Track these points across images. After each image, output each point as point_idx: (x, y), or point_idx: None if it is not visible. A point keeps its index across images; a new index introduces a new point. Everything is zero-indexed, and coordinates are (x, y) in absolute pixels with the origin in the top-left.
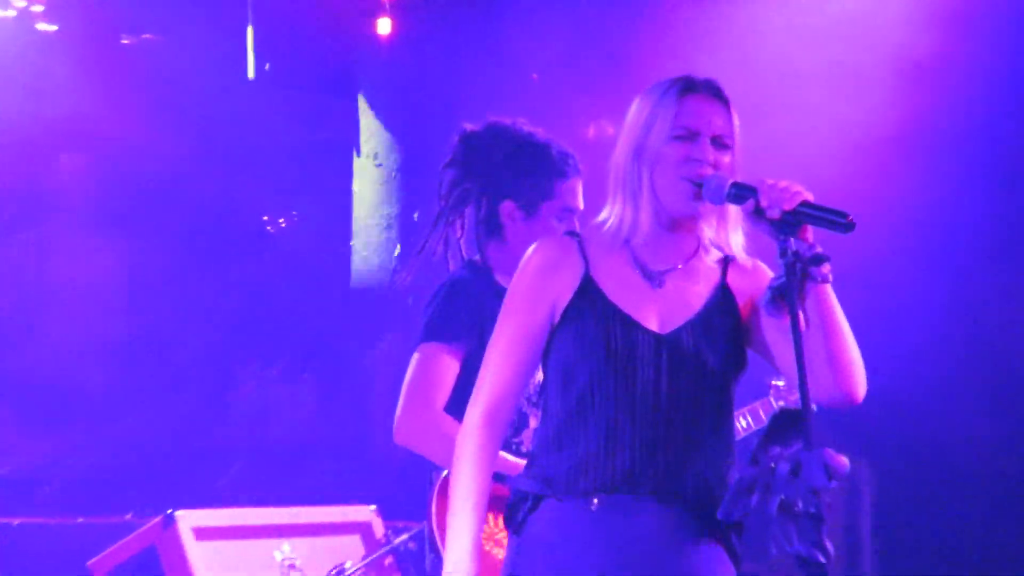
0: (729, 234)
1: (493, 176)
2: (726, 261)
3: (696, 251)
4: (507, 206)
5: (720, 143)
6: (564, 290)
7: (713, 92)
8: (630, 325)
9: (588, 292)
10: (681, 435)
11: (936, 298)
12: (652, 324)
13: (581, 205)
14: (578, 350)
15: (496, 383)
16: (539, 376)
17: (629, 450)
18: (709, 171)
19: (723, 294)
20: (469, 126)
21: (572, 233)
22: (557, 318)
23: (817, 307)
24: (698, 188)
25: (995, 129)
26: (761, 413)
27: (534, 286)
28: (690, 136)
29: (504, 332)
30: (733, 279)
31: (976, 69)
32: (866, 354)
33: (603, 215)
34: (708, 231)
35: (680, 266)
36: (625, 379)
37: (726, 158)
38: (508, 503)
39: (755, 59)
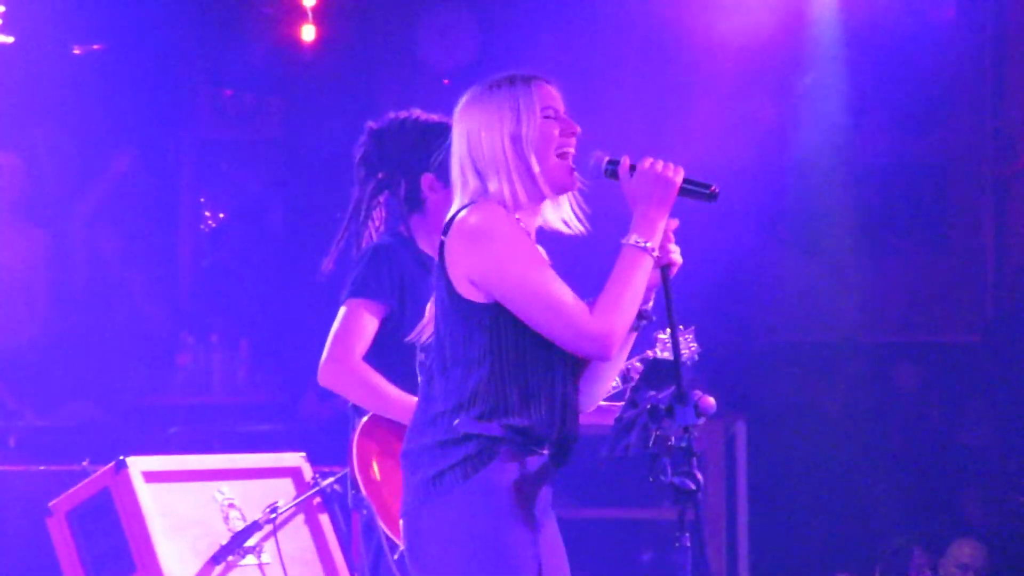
0: (568, 211)
1: (406, 159)
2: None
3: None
4: (427, 179)
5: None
6: None
7: (547, 79)
8: None
9: None
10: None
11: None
12: None
13: None
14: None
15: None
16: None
17: (561, 411)
18: (573, 142)
19: None
20: (373, 123)
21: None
22: None
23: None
24: (573, 166)
25: None
26: (637, 364)
27: (531, 245)
28: (555, 115)
29: (550, 276)
30: None
31: None
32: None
33: (486, 192)
34: (551, 209)
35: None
36: (551, 348)
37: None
38: (462, 445)
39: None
